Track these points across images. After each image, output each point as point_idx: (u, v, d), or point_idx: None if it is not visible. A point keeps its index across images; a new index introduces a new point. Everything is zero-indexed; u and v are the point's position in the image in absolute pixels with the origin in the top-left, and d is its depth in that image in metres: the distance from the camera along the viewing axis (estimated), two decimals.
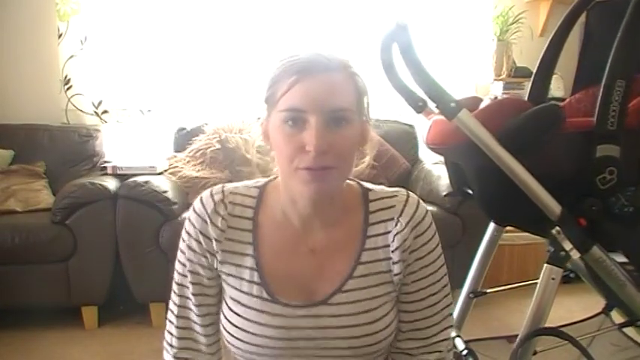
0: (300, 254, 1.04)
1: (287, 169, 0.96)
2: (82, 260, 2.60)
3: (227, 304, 1.05)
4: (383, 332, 1.02)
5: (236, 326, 1.03)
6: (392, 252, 1.02)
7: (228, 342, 1.05)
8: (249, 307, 1.02)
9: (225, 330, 1.05)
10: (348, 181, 1.06)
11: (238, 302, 1.03)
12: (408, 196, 1.05)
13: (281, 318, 1.01)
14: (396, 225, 1.02)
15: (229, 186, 1.07)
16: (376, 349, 1.03)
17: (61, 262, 2.59)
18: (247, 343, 1.02)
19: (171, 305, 1.09)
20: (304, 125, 0.92)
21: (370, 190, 1.07)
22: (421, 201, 1.06)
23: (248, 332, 1.01)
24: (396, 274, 1.03)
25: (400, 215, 1.02)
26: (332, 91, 0.93)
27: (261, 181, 1.09)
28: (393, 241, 1.02)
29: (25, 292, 2.58)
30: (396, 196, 1.05)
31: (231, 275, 1.04)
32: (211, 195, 1.05)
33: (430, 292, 1.05)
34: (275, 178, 1.07)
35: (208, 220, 1.03)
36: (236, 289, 1.04)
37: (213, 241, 1.04)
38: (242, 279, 1.03)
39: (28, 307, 2.67)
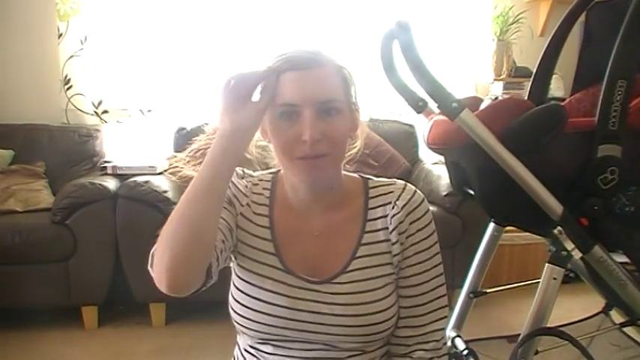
0: (306, 237, 1.10)
1: (285, 160, 1.03)
2: (82, 260, 2.60)
3: (238, 276, 1.10)
4: (385, 313, 1.05)
5: (247, 294, 1.07)
6: (390, 233, 1.08)
7: (237, 312, 1.08)
8: (261, 275, 1.07)
9: (236, 301, 1.08)
10: (349, 173, 1.13)
11: (251, 271, 1.08)
12: (405, 184, 1.12)
13: (291, 288, 1.06)
14: (392, 208, 1.09)
15: (246, 170, 1.16)
16: (379, 330, 1.05)
17: (61, 262, 2.59)
18: (256, 311, 1.05)
19: None
20: (298, 118, 1.00)
21: (370, 179, 1.15)
22: (419, 191, 1.12)
23: (259, 300, 1.06)
24: (394, 255, 1.08)
25: (397, 199, 1.09)
26: (321, 84, 1.00)
27: (274, 169, 1.17)
28: (391, 223, 1.08)
29: (25, 292, 2.58)
30: (394, 183, 1.13)
31: (246, 244, 1.10)
32: (235, 171, 1.11)
33: (424, 279, 1.09)
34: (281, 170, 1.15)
35: (236, 179, 1.12)
36: (249, 258, 1.09)
37: (241, 194, 1.11)
38: (256, 249, 1.09)
39: (28, 307, 2.67)
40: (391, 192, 1.10)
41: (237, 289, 1.09)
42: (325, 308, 1.04)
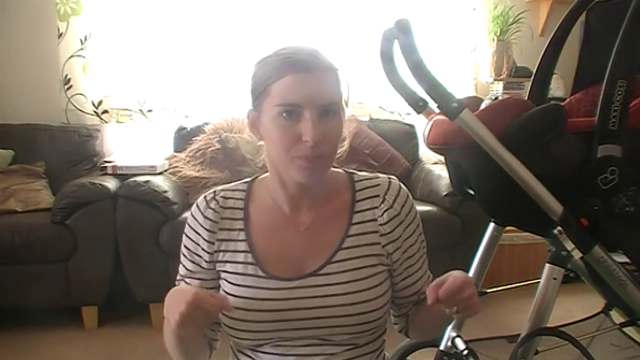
0: (290, 233, 1.12)
1: (283, 157, 1.04)
2: (82, 260, 2.61)
3: (225, 291, 1.11)
4: (375, 302, 1.08)
5: (235, 307, 1.07)
6: (380, 225, 1.11)
7: (228, 326, 1.09)
8: (245, 286, 1.08)
9: (225, 315, 1.08)
10: (332, 168, 1.14)
11: (235, 284, 1.10)
12: (389, 178, 1.17)
13: (276, 291, 1.07)
14: (383, 202, 1.12)
15: (220, 186, 1.18)
16: (368, 320, 1.07)
17: (61, 262, 2.60)
18: (246, 321, 1.07)
19: None
20: (299, 118, 1.01)
21: (354, 173, 1.18)
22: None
23: (246, 310, 1.07)
24: (384, 245, 1.11)
25: (386, 194, 1.13)
26: (324, 87, 1.03)
27: (248, 178, 1.19)
28: (382, 215, 1.11)
29: (25, 292, 2.59)
30: (379, 177, 1.17)
31: (227, 262, 1.12)
32: (204, 197, 1.16)
33: (417, 249, 1.15)
34: (259, 176, 1.18)
35: (201, 218, 1.13)
36: (232, 273, 1.11)
37: (208, 233, 1.12)
38: (237, 262, 1.11)
39: (28, 307, 2.67)
40: (378, 185, 1.14)
41: None
42: (312, 302, 1.06)
